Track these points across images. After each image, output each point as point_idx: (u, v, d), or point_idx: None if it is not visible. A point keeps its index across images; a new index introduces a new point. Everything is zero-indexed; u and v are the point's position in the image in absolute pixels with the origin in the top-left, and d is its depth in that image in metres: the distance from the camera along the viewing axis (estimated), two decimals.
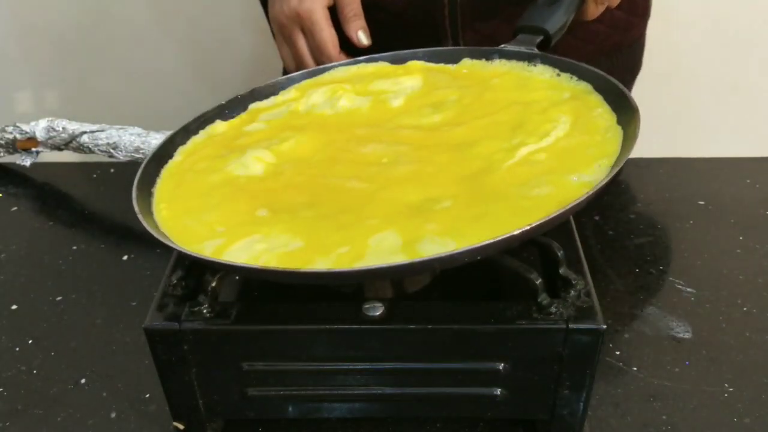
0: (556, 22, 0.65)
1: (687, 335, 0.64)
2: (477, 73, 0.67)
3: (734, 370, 0.60)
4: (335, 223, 0.48)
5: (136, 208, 0.50)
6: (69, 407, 0.59)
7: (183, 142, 0.62)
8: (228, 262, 0.45)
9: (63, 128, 0.84)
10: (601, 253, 0.73)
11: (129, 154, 0.82)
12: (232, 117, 0.65)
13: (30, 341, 0.66)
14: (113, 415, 0.58)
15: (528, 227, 0.41)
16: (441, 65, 0.69)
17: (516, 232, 0.40)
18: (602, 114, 0.55)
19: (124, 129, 0.83)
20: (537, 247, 0.54)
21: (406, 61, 0.69)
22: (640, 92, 1.42)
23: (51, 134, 0.84)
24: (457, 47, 0.70)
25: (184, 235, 0.49)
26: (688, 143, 1.48)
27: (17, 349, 0.65)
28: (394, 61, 0.70)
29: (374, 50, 0.73)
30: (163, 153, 0.60)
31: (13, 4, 1.40)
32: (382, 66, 0.70)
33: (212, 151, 0.60)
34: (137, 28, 1.42)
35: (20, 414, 0.59)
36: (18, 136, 0.86)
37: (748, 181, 0.84)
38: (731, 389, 0.58)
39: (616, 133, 0.52)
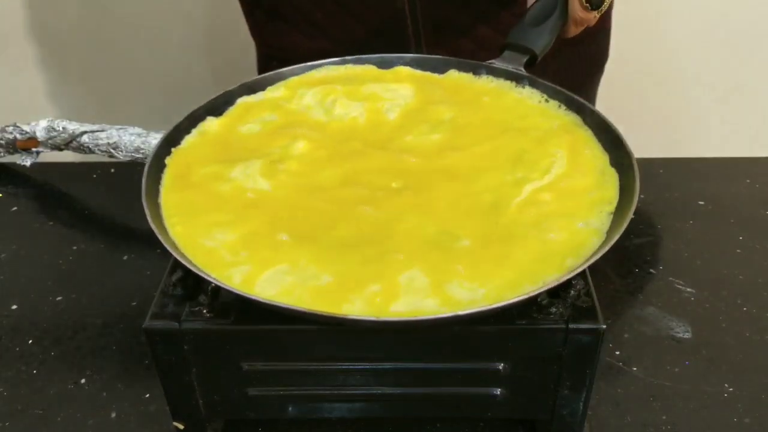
0: (543, 42, 0.66)
1: (687, 335, 0.64)
2: (466, 87, 0.67)
3: (734, 370, 0.60)
4: (360, 256, 0.49)
5: (156, 231, 0.49)
6: (69, 407, 0.59)
7: (177, 143, 0.61)
8: (276, 303, 0.45)
9: (63, 128, 0.84)
10: None
11: (129, 154, 0.82)
12: (222, 113, 0.64)
13: (30, 341, 0.66)
14: (113, 415, 0.58)
15: (554, 284, 0.45)
16: (428, 74, 0.69)
17: (543, 289, 0.45)
18: (594, 152, 0.58)
19: (124, 129, 0.83)
20: None
21: (393, 65, 0.69)
22: (641, 93, 1.43)
23: (51, 134, 0.84)
24: (445, 57, 0.71)
25: (208, 259, 0.49)
26: (688, 143, 1.48)
27: (17, 349, 0.65)
28: (381, 64, 0.70)
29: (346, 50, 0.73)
30: (161, 157, 0.58)
31: (14, 4, 1.40)
32: (369, 68, 0.69)
33: (210, 152, 0.60)
34: (137, 27, 1.42)
35: (20, 414, 0.59)
36: (18, 136, 0.86)
37: (748, 181, 0.84)
38: (731, 389, 0.58)
39: (612, 176, 0.56)
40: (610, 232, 0.50)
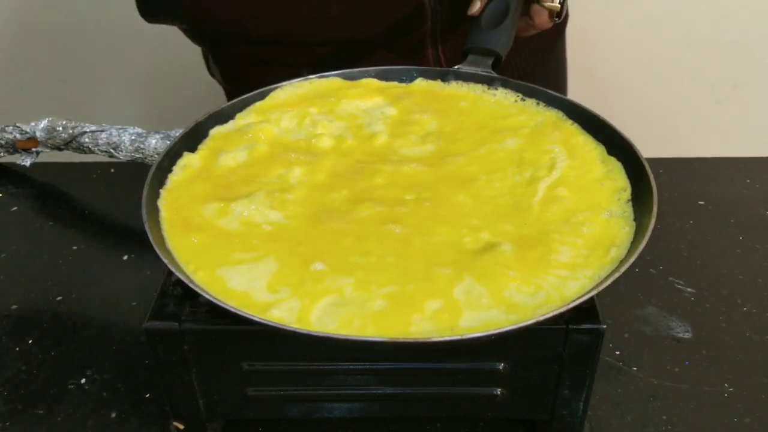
0: (505, 42, 0.66)
1: (687, 335, 0.64)
2: (438, 94, 0.67)
3: (734, 370, 0.60)
4: (406, 276, 0.47)
5: (196, 287, 0.46)
6: (69, 407, 0.59)
7: (163, 183, 0.57)
8: (358, 338, 0.44)
9: (63, 128, 0.84)
10: None
11: (129, 154, 0.82)
12: (197, 146, 0.61)
13: (30, 341, 0.66)
14: (113, 415, 0.58)
15: (616, 275, 0.46)
16: (395, 84, 0.68)
17: (607, 282, 0.46)
18: (588, 143, 0.59)
19: (124, 129, 0.83)
20: None
21: (357, 78, 0.68)
22: (641, 93, 1.43)
23: (51, 134, 0.84)
24: (409, 66, 0.70)
25: (247, 301, 0.46)
26: (688, 143, 1.48)
27: (17, 349, 0.65)
28: (346, 78, 0.68)
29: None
30: (153, 201, 0.54)
31: (13, 4, 1.40)
32: (334, 81, 0.68)
33: (202, 189, 0.56)
34: (137, 27, 1.42)
35: (20, 414, 0.59)
36: (18, 136, 0.86)
37: (748, 181, 0.84)
38: (731, 389, 0.58)
39: (614, 164, 0.57)
40: (639, 219, 0.51)
